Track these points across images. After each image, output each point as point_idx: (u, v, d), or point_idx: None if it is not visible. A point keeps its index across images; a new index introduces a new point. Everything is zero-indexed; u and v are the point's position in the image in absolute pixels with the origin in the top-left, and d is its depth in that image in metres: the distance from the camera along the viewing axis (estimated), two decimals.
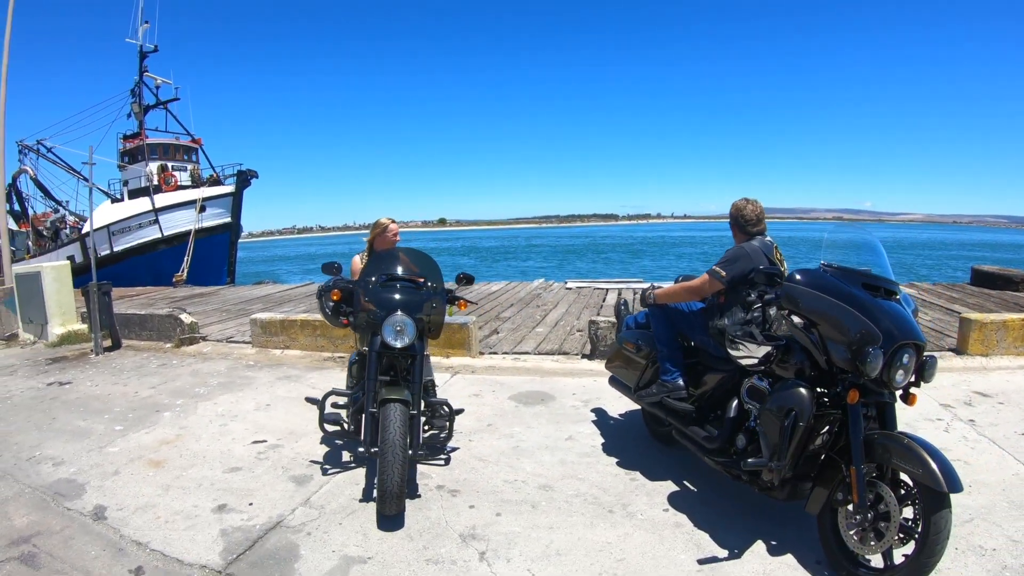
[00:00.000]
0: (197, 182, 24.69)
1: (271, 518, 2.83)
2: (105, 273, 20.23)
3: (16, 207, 24.67)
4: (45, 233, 24.02)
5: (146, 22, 23.43)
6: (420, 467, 3.33)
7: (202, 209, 23.18)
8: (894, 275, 2.46)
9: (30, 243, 23.94)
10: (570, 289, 9.70)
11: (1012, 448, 3.34)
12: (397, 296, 3.06)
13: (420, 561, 2.37)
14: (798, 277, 2.43)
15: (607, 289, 8.71)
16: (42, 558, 2.52)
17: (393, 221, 3.95)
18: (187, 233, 22.56)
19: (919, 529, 2.00)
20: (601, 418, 4.11)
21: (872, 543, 2.10)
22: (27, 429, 4.26)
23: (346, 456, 3.58)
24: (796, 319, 2.37)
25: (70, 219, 23.85)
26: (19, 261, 20.88)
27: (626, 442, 3.63)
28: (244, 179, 23.47)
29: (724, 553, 2.41)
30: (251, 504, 3.00)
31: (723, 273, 2.82)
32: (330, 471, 3.37)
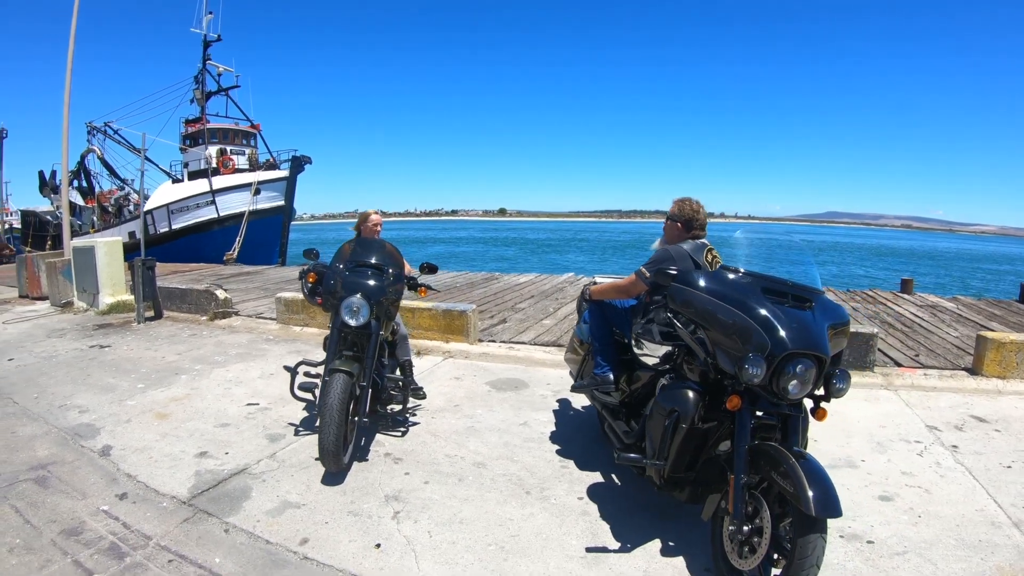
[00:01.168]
0: (254, 166, 26.47)
1: (239, 465, 3.42)
2: (163, 249, 22.27)
3: (84, 184, 27.30)
4: (110, 209, 26.51)
5: (210, 12, 25.43)
6: (379, 436, 3.85)
7: (257, 192, 24.87)
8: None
9: (95, 218, 26.46)
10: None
11: (988, 481, 3.13)
12: (356, 281, 3.56)
13: (342, 512, 2.86)
14: (682, 278, 2.45)
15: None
16: (52, 481, 3.21)
17: (376, 213, 4.50)
18: (241, 214, 24.27)
19: (789, 550, 2.00)
20: (563, 408, 4.47)
21: (746, 557, 2.10)
22: (64, 382, 5.11)
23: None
24: (684, 321, 2.43)
25: (133, 197, 26.17)
26: (84, 235, 23.24)
27: (575, 433, 3.96)
28: (298, 164, 25.00)
29: (615, 546, 2.54)
30: (227, 453, 3.60)
31: (647, 274, 2.96)
32: (301, 433, 3.94)
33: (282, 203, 25.73)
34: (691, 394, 2.33)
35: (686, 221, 3.03)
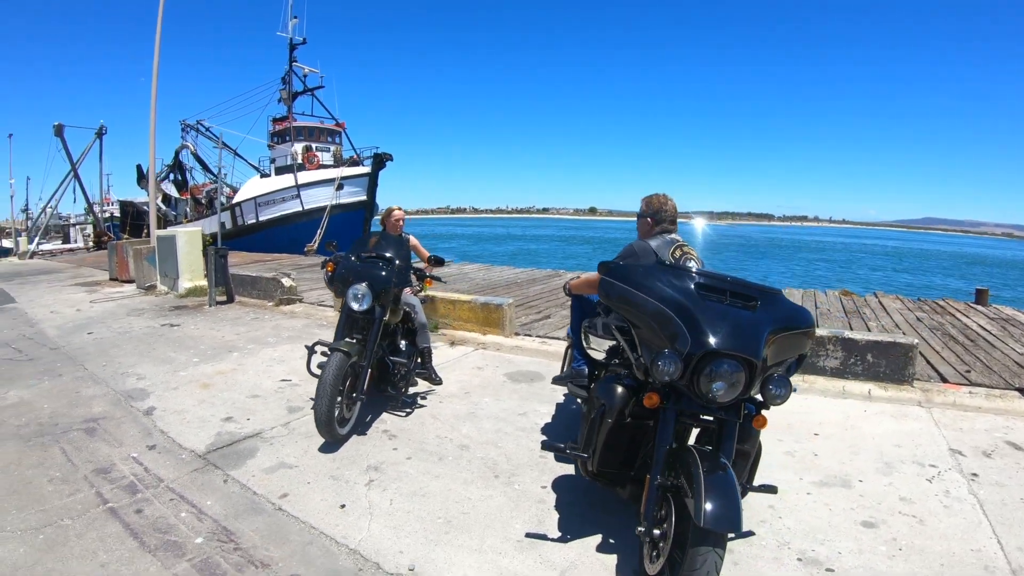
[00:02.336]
0: (339, 162, 28.36)
1: (254, 430, 3.93)
2: (249, 240, 24.39)
3: (178, 177, 30.35)
4: (202, 201, 29.31)
5: (295, 17, 27.65)
6: (384, 414, 4.24)
7: (340, 187, 26.63)
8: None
9: (188, 209, 29.37)
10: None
11: (999, 518, 2.85)
12: (363, 270, 3.98)
13: (325, 476, 3.26)
14: (614, 271, 2.44)
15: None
16: (99, 431, 3.87)
17: (399, 209, 4.96)
18: (324, 208, 26.09)
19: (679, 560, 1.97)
20: (568, 402, 4.66)
21: (654, 561, 2.10)
22: (131, 354, 5.97)
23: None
24: (616, 316, 2.48)
25: (226, 190, 28.83)
26: (178, 225, 25.90)
27: (569, 426, 4.11)
28: (379, 161, 26.55)
29: (556, 535, 2.64)
30: (248, 419, 4.14)
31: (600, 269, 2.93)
32: None
33: (364, 198, 27.38)
34: (620, 389, 2.35)
35: (654, 214, 3.06)
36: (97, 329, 7.25)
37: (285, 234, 26.04)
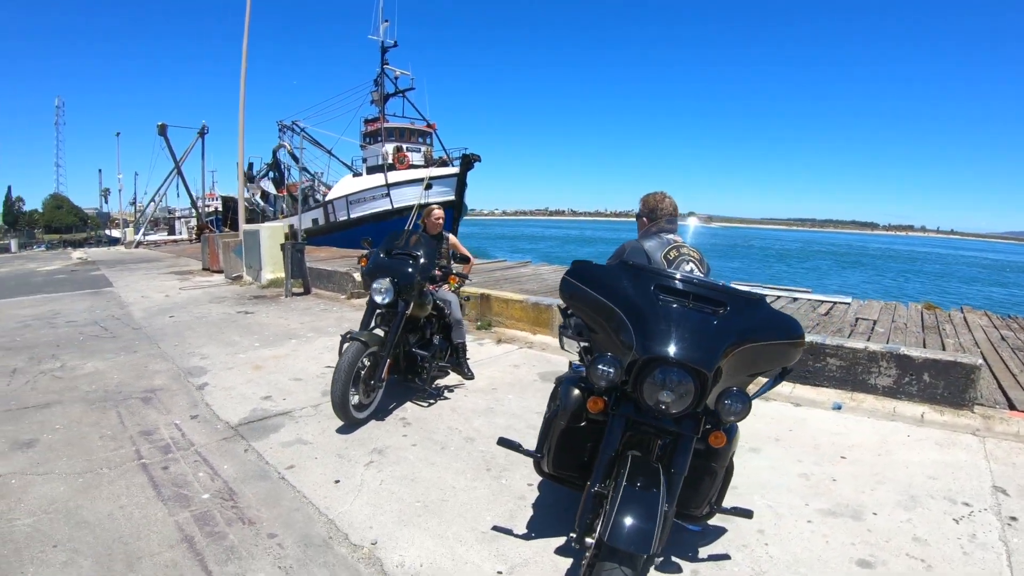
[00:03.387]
0: (429, 163, 29.68)
1: (286, 409, 4.37)
2: (341, 236, 26.07)
3: (276, 175, 32.91)
4: (297, 197, 31.65)
5: (386, 20, 29.33)
6: (408, 403, 4.54)
7: (428, 186, 27.84)
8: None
9: (285, 206, 31.79)
10: None
11: None
12: (388, 266, 4.32)
13: (332, 454, 3.59)
14: (574, 270, 2.40)
15: (767, 294, 8.68)
16: (154, 401, 4.48)
17: (438, 208, 5.31)
18: (412, 207, 27.41)
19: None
20: None
21: (584, 569, 2.04)
22: (201, 336, 6.73)
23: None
24: (573, 317, 2.46)
25: (322, 188, 30.97)
26: (275, 220, 28.10)
27: None
28: (467, 162, 27.54)
29: (521, 531, 2.68)
30: (284, 400, 4.60)
31: None
32: None
33: (452, 198, 28.46)
34: (575, 391, 2.31)
35: (649, 213, 3.01)
36: (178, 313, 8.21)
37: (374, 231, 27.55)
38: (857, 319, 6.43)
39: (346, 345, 4.04)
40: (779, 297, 7.93)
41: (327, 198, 28.83)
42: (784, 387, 4.83)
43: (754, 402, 4.76)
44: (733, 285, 2.52)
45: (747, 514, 2.45)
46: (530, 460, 3.49)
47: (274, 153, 32.30)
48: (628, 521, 1.84)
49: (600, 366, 2.06)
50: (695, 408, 2.06)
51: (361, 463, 3.47)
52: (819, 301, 7.53)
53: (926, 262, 65.04)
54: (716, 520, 2.68)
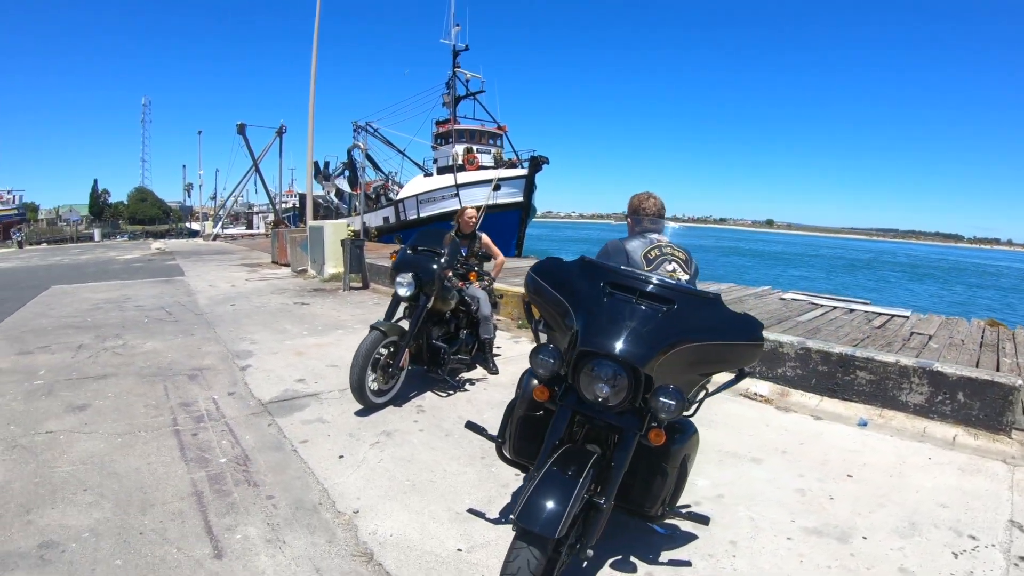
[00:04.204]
0: (499, 164, 30.35)
1: (315, 391, 4.77)
2: (411, 233, 27.03)
3: (350, 174, 34.47)
4: (371, 196, 33.03)
5: (457, 25, 30.22)
6: (428, 392, 4.81)
7: (497, 187, 28.47)
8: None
9: (358, 204, 33.25)
10: (783, 300, 9.64)
11: None
12: (410, 261, 4.63)
13: (344, 432, 3.92)
14: (538, 266, 2.51)
15: (820, 305, 8.45)
16: (199, 378, 5.01)
17: (472, 207, 5.62)
18: (480, 207, 28.13)
19: None
20: None
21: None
22: (256, 324, 7.35)
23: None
24: (535, 311, 2.55)
25: (394, 187, 32.25)
26: (347, 217, 29.50)
27: None
28: (536, 164, 28.00)
29: (494, 516, 2.80)
30: (316, 383, 5.01)
31: None
32: None
33: (520, 199, 28.96)
34: (534, 380, 2.39)
35: (632, 214, 3.07)
36: (240, 302, 8.95)
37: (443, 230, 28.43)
38: (912, 333, 6.16)
39: (366, 333, 4.38)
40: (834, 308, 7.69)
41: (398, 197, 30.03)
42: (809, 399, 4.76)
43: (769, 412, 4.64)
44: (729, 287, 2.61)
45: (702, 520, 2.46)
46: None
47: (349, 152, 34.01)
48: (539, 503, 1.91)
49: (540, 356, 2.20)
50: (632, 403, 2.12)
51: (368, 442, 3.78)
52: (876, 313, 7.24)
53: (1002, 276, 60.25)
54: (692, 528, 2.75)
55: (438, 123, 32.70)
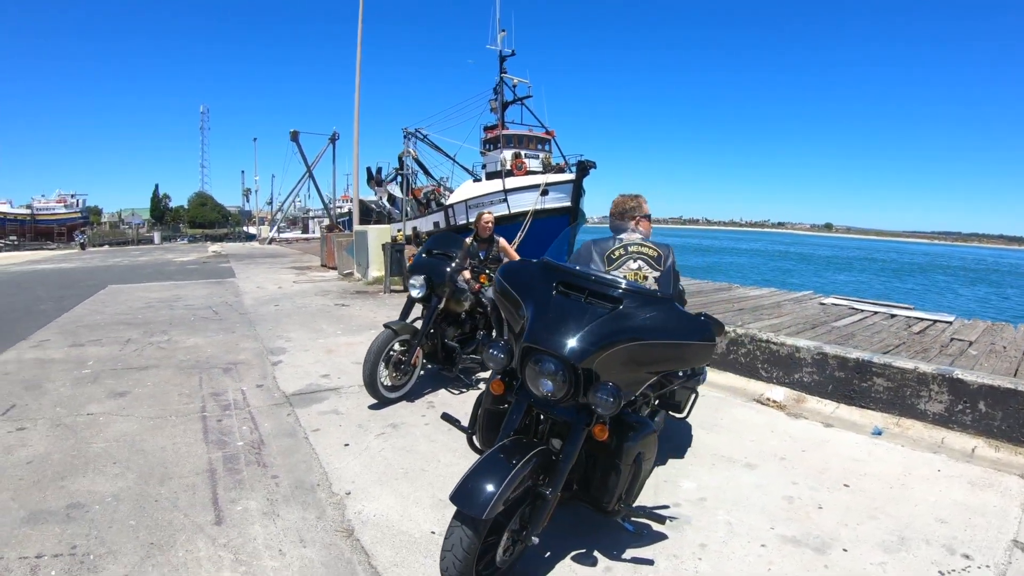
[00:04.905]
0: (547, 169, 30.60)
1: (336, 385, 5.11)
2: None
3: (401, 179, 35.46)
4: (422, 201, 33.83)
5: (503, 30, 30.65)
6: (442, 390, 5.06)
7: (545, 192, 28.70)
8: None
9: (410, 209, 34.14)
10: (822, 305, 9.47)
11: None
12: (423, 263, 4.91)
13: (354, 424, 4.20)
14: (503, 269, 2.68)
15: (860, 311, 8.27)
16: (232, 371, 5.45)
17: (489, 213, 5.84)
18: (527, 212, 28.41)
19: None
20: None
21: None
22: (294, 323, 7.83)
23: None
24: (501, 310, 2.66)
25: (445, 193, 32.97)
26: (399, 222, 30.38)
27: None
28: (583, 169, 28.10)
29: None
30: (339, 378, 5.35)
31: None
32: None
33: (568, 204, 29.12)
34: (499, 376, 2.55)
35: (610, 215, 3.20)
36: (283, 303, 9.50)
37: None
38: (952, 339, 6.00)
39: (379, 332, 4.68)
40: (874, 313, 7.53)
41: (448, 202, 30.69)
42: (824, 406, 4.73)
43: (778, 418, 4.63)
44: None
45: (660, 520, 2.54)
46: None
47: (400, 158, 35.02)
48: (473, 485, 2.06)
49: (491, 351, 2.37)
50: (575, 399, 2.24)
51: (374, 433, 4.05)
52: (918, 319, 7.04)
53: None
54: (665, 528, 2.82)
55: (486, 128, 33.29)
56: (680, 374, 2.85)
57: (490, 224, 5.79)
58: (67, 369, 5.50)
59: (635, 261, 2.90)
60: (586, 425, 2.29)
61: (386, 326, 4.69)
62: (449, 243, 5.19)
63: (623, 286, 2.39)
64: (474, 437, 2.83)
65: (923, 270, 62.46)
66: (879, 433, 4.33)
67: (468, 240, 5.57)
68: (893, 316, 7.29)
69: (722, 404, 4.84)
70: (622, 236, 3.05)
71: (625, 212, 3.15)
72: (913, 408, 4.43)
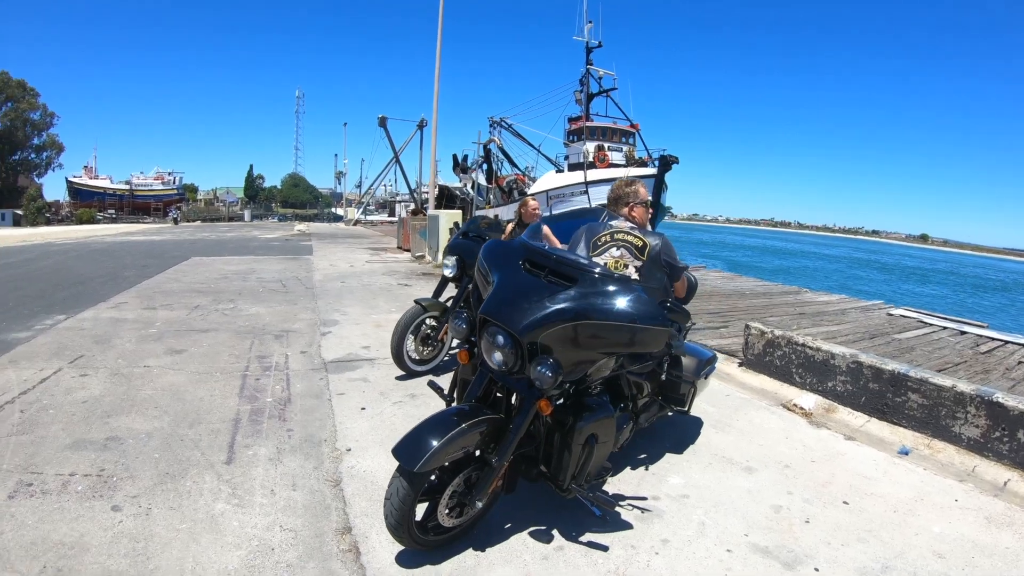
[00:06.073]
0: (630, 162, 30.27)
1: (373, 356, 5.47)
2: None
3: (487, 167, 36.09)
4: (505, 190, 34.36)
5: (590, 22, 30.48)
6: None
7: None
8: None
9: (493, 196, 34.72)
10: (890, 315, 9.04)
11: None
12: (456, 244, 5.14)
13: (377, 392, 4.50)
14: (484, 248, 2.78)
15: (929, 324, 7.82)
16: (283, 338, 5.96)
17: (534, 199, 6.03)
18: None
19: None
20: None
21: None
22: (354, 299, 8.35)
23: None
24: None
25: (529, 182, 33.37)
26: (482, 209, 30.99)
27: None
28: (665, 163, 27.57)
29: None
30: (377, 350, 5.71)
31: None
32: None
33: (649, 198, 28.69)
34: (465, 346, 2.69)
35: (607, 200, 3.25)
36: (349, 280, 10.09)
37: (571, 226, 28.98)
38: (1020, 363, 5.60)
39: (408, 308, 4.98)
40: (943, 328, 7.09)
41: (529, 192, 31.04)
42: (855, 418, 4.52)
43: (798, 425, 4.58)
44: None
45: (609, 504, 2.60)
46: None
47: (485, 147, 35.73)
48: (412, 441, 2.23)
49: (455, 321, 2.54)
50: (522, 372, 2.32)
51: (392, 401, 4.34)
52: (988, 338, 6.56)
53: None
54: (633, 518, 2.86)
55: (571, 120, 33.36)
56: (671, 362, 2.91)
57: (536, 211, 5.95)
58: (136, 328, 6.21)
59: (618, 249, 2.94)
60: (535, 398, 2.35)
61: (416, 302, 4.97)
62: (487, 227, 5.40)
63: (579, 265, 2.42)
64: (453, 405, 3.00)
65: (1007, 288, 57.56)
66: (906, 453, 4.12)
67: (510, 225, 5.77)
68: (963, 333, 6.83)
69: (745, 405, 4.77)
70: (613, 223, 3.08)
71: (619, 199, 3.18)
72: (947, 430, 4.18)
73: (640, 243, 2.94)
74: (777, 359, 5.41)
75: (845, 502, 3.28)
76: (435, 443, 2.19)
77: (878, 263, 75.86)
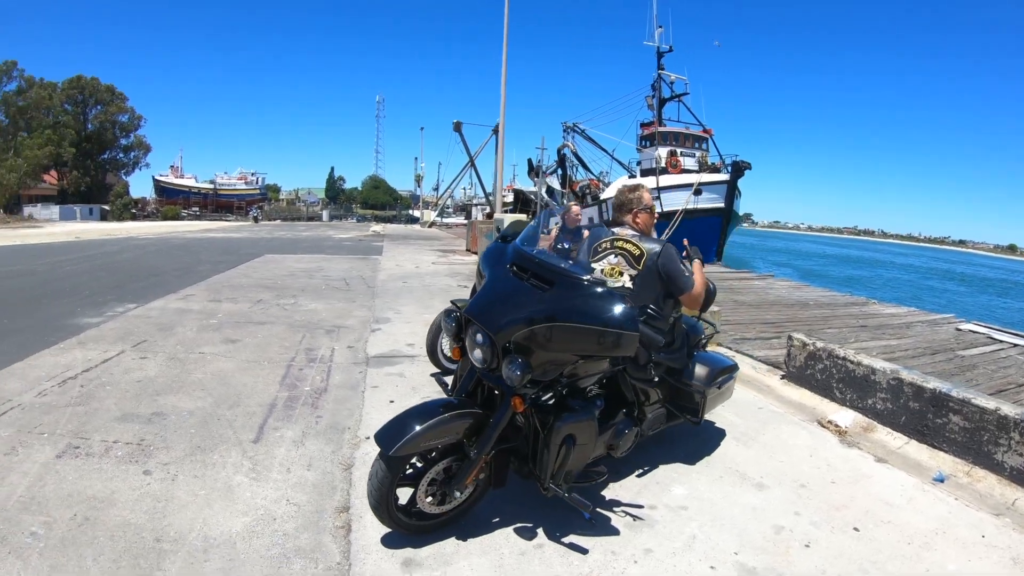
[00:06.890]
0: (703, 168, 29.63)
1: (413, 353, 5.72)
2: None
3: (561, 172, 36.16)
4: (579, 195, 34.32)
5: (660, 26, 30.05)
6: None
7: (698, 192, 27.85)
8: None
9: (565, 201, 34.73)
10: (958, 330, 8.51)
11: None
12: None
13: (408, 386, 4.69)
14: (487, 250, 2.94)
15: (998, 341, 7.29)
16: (334, 333, 6.35)
17: (576, 205, 6.28)
18: (678, 211, 27.75)
19: None
20: None
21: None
22: (412, 298, 8.75)
23: None
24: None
25: (603, 187, 33.27)
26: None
27: None
28: (738, 169, 26.91)
29: None
30: (420, 348, 5.93)
31: None
32: None
33: (721, 205, 28.02)
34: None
35: (612, 207, 3.30)
36: (411, 280, 10.51)
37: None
38: None
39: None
40: (1014, 346, 6.61)
41: (602, 197, 30.94)
42: (893, 439, 4.26)
43: (828, 443, 4.70)
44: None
45: (585, 505, 2.57)
46: None
47: (559, 152, 35.88)
48: (392, 427, 2.36)
49: (445, 319, 2.69)
50: (497, 368, 2.40)
51: (420, 395, 4.51)
52: None
53: None
54: (623, 524, 2.85)
55: (643, 125, 33.03)
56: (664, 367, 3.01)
57: (579, 217, 6.10)
58: (198, 318, 6.79)
59: (615, 256, 2.97)
60: (509, 394, 2.42)
61: (452, 302, 5.17)
62: (519, 230, 5.56)
63: (556, 270, 2.49)
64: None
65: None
66: (942, 480, 3.85)
67: (555, 229, 5.90)
68: None
69: (776, 419, 4.62)
70: (616, 230, 3.14)
71: (623, 205, 3.21)
72: (989, 457, 3.91)
73: (637, 251, 2.96)
74: (818, 372, 5.23)
75: (856, 528, 3.08)
76: (413, 431, 2.31)
77: (957, 274, 70.76)
